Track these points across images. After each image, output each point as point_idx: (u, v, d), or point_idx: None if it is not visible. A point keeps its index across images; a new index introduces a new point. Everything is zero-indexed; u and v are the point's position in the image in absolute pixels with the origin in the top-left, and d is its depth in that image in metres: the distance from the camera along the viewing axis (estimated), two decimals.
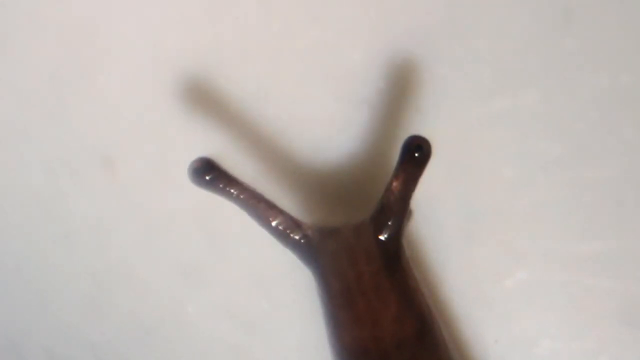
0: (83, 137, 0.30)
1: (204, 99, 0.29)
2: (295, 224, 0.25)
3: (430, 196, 0.27)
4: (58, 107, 0.30)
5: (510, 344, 0.28)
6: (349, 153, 0.27)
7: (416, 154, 0.23)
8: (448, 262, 0.28)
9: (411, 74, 0.27)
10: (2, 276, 0.33)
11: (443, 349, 0.25)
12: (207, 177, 0.24)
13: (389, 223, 0.24)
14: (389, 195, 0.24)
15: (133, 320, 0.32)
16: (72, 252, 0.32)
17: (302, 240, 0.25)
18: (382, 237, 0.24)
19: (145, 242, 0.31)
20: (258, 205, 0.25)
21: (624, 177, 0.26)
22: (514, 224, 0.27)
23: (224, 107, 0.28)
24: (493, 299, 0.28)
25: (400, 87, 0.27)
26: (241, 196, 0.24)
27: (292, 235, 0.25)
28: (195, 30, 0.28)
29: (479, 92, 0.26)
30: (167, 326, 0.31)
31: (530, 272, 0.27)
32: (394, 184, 0.24)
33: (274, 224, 0.25)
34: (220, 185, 0.24)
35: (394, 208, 0.24)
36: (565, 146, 0.26)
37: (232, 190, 0.24)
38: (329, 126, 0.27)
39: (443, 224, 0.27)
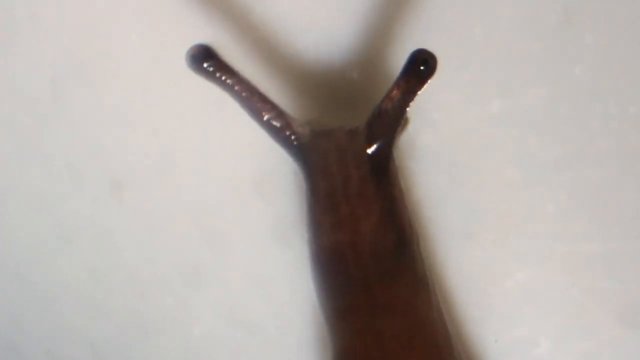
0: (84, 138, 0.30)
1: (203, 97, 0.29)
2: (287, 120, 0.25)
3: (430, 196, 0.27)
4: (59, 107, 0.30)
5: (510, 344, 0.28)
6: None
7: (421, 68, 0.23)
8: (448, 262, 0.28)
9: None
10: (2, 276, 0.33)
11: (420, 266, 0.25)
12: (205, 64, 0.24)
13: (383, 130, 0.24)
14: (387, 102, 0.24)
15: (133, 320, 0.32)
16: (72, 252, 0.32)
17: (292, 137, 0.25)
18: (374, 143, 0.24)
19: (145, 242, 0.31)
20: (252, 97, 0.24)
21: (623, 177, 0.26)
22: (514, 225, 0.27)
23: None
24: (493, 299, 0.28)
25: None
26: (236, 87, 0.24)
27: (283, 130, 0.25)
28: (195, 30, 0.28)
29: (480, 93, 0.26)
30: (167, 326, 0.31)
31: (530, 272, 0.27)
32: (394, 92, 0.24)
33: (265, 118, 0.24)
34: (217, 74, 0.24)
35: (391, 115, 0.24)
36: (565, 147, 0.26)
37: (228, 80, 0.24)
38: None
39: (443, 224, 0.28)
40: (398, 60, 0.25)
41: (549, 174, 0.26)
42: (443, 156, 0.27)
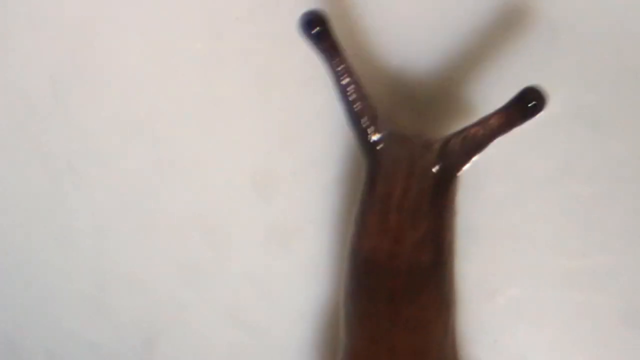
0: (84, 137, 0.30)
1: (203, 98, 0.29)
2: (373, 116, 0.24)
3: None
4: (58, 107, 0.30)
5: None
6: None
7: (529, 105, 0.23)
8: None
9: (404, 91, 0.27)
10: (2, 276, 0.33)
11: (448, 288, 0.25)
12: (315, 30, 0.23)
13: (460, 152, 0.24)
14: (480, 128, 0.24)
15: (133, 320, 0.32)
16: (72, 252, 0.32)
17: (371, 134, 0.25)
18: (445, 162, 0.24)
19: (145, 242, 0.31)
20: (349, 82, 0.24)
21: (613, 191, 0.26)
22: (505, 241, 0.27)
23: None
24: (485, 316, 0.28)
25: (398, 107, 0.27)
26: (339, 67, 0.24)
27: (364, 125, 0.24)
28: (195, 29, 0.28)
29: (467, 109, 0.26)
30: (168, 326, 0.31)
31: (522, 288, 0.27)
32: (492, 120, 0.23)
33: (355, 107, 0.24)
34: (326, 45, 0.24)
35: (476, 141, 0.24)
36: (555, 162, 0.26)
37: (332, 55, 0.24)
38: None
39: None
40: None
41: (538, 189, 0.26)
42: None
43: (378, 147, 0.25)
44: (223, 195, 0.29)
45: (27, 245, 0.32)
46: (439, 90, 0.27)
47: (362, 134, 0.25)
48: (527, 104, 0.23)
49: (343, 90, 0.24)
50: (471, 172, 0.25)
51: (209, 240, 0.30)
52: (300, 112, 0.28)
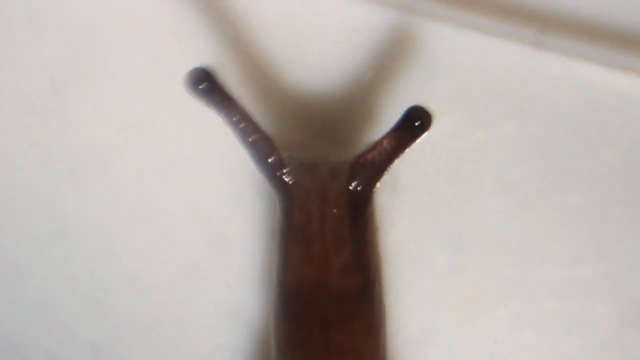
0: (83, 137, 0.30)
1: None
2: (277, 153, 0.25)
3: (418, 230, 0.27)
4: (58, 107, 0.30)
5: None
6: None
7: (416, 124, 0.23)
8: (438, 294, 0.28)
9: (391, 112, 0.27)
10: (2, 276, 0.33)
11: (377, 311, 0.26)
12: (202, 87, 0.24)
13: (366, 176, 0.24)
14: (376, 152, 0.24)
15: (133, 320, 0.32)
16: (72, 252, 0.32)
17: (279, 170, 0.25)
18: (355, 186, 0.24)
19: (145, 242, 0.31)
20: (247, 127, 0.24)
21: (607, 200, 0.26)
22: (502, 253, 0.27)
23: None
24: (485, 329, 0.28)
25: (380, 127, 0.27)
26: (234, 116, 0.24)
27: (271, 163, 0.25)
28: (196, 29, 0.28)
29: (456, 126, 0.26)
30: (167, 326, 0.31)
31: (521, 300, 0.27)
32: (384, 143, 0.24)
33: (258, 149, 0.25)
34: (215, 99, 0.24)
35: (376, 165, 0.24)
36: (548, 173, 0.26)
37: (225, 106, 0.24)
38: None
39: (432, 256, 0.28)
40: (386, 101, 0.26)
41: (533, 201, 0.26)
42: (426, 191, 0.27)
43: (288, 180, 0.25)
44: (223, 195, 0.29)
45: (26, 245, 0.32)
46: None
47: (270, 172, 0.25)
48: (413, 124, 0.23)
49: (243, 136, 0.24)
50: (463, 186, 0.26)
51: (209, 240, 0.30)
52: (301, 111, 0.28)
